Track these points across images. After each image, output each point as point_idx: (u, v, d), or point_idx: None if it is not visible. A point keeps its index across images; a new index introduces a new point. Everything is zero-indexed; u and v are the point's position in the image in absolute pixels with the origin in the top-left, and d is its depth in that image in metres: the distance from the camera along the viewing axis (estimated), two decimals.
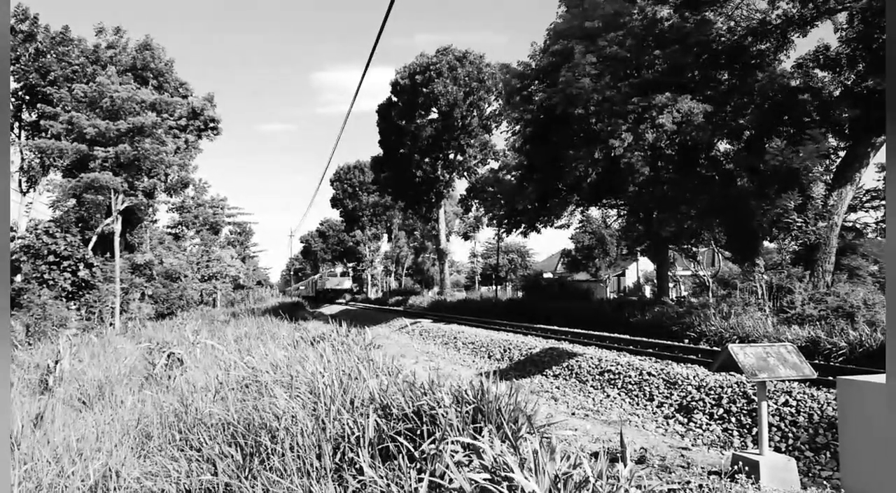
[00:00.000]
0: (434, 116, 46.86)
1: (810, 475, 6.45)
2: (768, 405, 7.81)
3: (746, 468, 5.63)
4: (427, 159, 47.17)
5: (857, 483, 4.98)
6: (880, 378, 4.91)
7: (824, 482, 6.17)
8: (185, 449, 6.37)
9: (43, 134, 41.59)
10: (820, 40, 18.16)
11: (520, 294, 39.97)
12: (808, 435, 7.19)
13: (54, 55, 42.47)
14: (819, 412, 7.46)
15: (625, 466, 4.09)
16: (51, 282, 34.05)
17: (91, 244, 40.90)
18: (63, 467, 6.25)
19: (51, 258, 34.56)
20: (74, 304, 35.34)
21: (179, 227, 70.22)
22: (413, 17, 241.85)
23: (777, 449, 7.12)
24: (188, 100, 46.87)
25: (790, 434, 7.35)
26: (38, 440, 7.32)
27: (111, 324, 34.58)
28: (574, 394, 11.02)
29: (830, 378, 7.98)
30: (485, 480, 3.83)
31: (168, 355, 12.94)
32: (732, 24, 18.36)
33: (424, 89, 44.39)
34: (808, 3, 16.81)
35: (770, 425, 7.51)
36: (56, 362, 13.14)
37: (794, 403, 7.83)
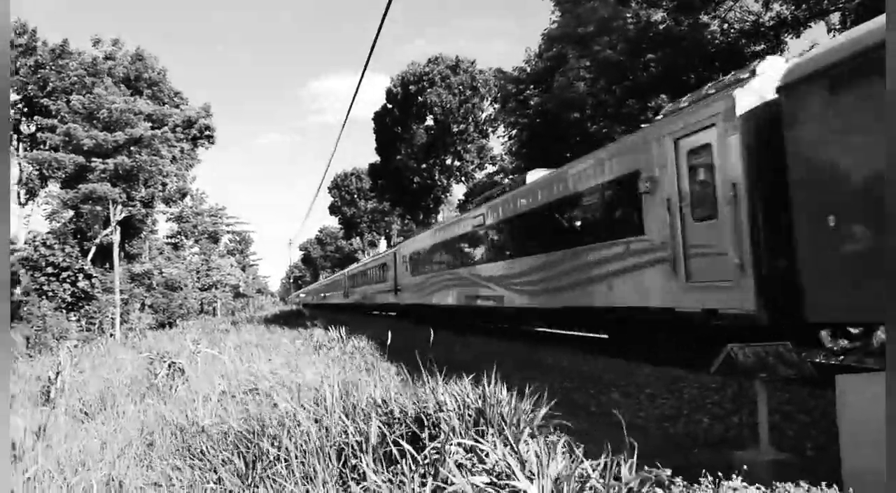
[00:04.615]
0: (429, 122, 47.04)
1: (811, 472, 6.47)
2: (768, 404, 7.84)
3: (746, 468, 5.65)
4: (424, 165, 47.37)
5: (857, 465, 5.10)
6: (876, 375, 4.99)
7: (825, 480, 6.18)
8: (188, 458, 6.40)
9: (41, 146, 41.63)
10: (813, 41, 18.29)
11: None
12: (809, 434, 7.22)
13: (53, 68, 42.49)
14: (819, 410, 7.50)
15: (625, 463, 4.13)
16: (50, 293, 34.07)
17: (90, 255, 40.93)
18: (66, 478, 6.26)
19: (49, 270, 34.58)
20: (74, 315, 35.35)
21: (178, 236, 70.25)
22: (414, 23, 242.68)
23: (778, 448, 7.15)
24: (182, 109, 47.02)
25: (791, 433, 7.38)
26: (42, 451, 7.34)
27: (111, 335, 34.58)
28: (577, 394, 11.03)
29: (830, 376, 8.01)
30: (485, 484, 3.86)
31: (169, 365, 12.96)
32: (726, 26, 18.47)
33: (419, 98, 44.62)
34: (801, 5, 16.94)
35: (770, 424, 7.53)
36: (57, 374, 13.14)
37: (795, 401, 7.86)
